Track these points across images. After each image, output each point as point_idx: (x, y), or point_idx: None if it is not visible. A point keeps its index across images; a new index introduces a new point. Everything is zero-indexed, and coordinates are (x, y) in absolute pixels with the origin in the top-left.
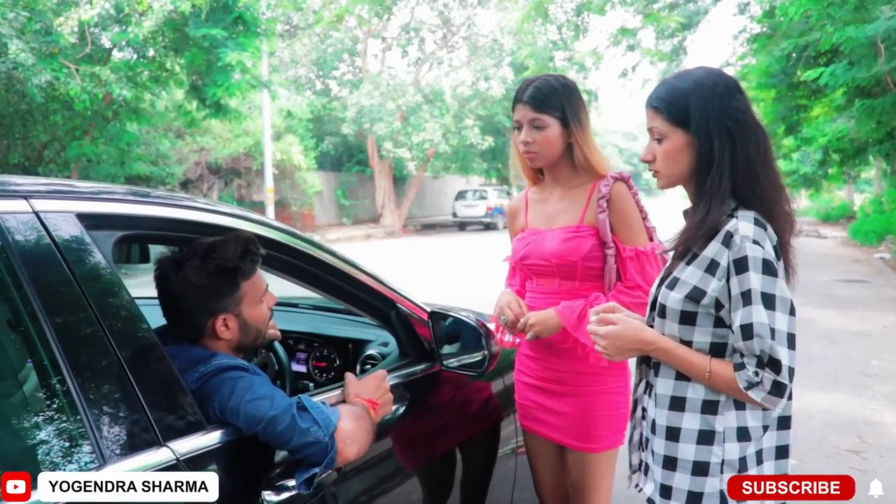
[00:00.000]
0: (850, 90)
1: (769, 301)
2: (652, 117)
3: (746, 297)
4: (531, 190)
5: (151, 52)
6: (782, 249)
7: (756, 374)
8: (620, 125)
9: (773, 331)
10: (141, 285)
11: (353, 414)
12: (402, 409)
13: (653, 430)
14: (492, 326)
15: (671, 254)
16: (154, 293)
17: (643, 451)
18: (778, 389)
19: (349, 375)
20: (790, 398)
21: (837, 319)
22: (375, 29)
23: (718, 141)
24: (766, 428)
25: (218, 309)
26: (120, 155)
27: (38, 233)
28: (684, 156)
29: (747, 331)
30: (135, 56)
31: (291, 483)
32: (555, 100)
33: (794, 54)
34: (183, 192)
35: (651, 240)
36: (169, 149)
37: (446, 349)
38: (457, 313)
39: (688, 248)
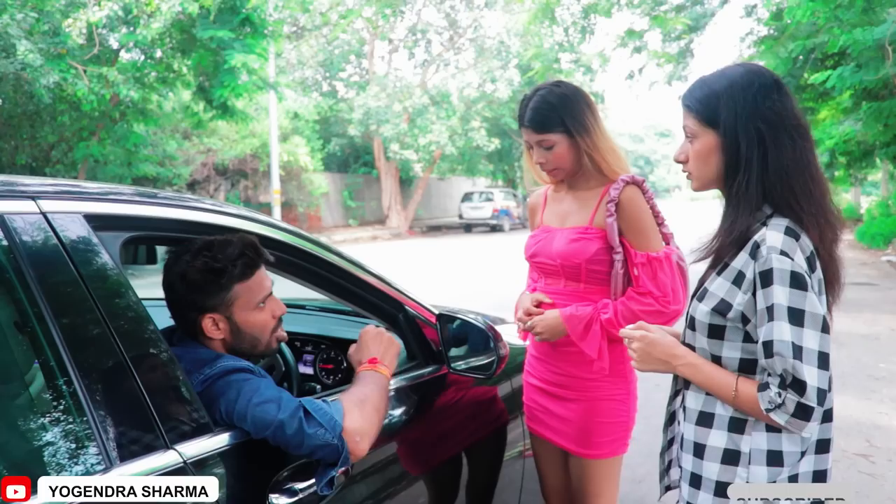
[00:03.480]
0: (857, 93)
1: (796, 317)
2: (685, 116)
3: (770, 313)
4: (551, 188)
5: (159, 54)
6: (822, 260)
7: (778, 394)
8: (626, 127)
9: (798, 349)
10: (148, 286)
11: (356, 402)
12: (409, 412)
13: (681, 445)
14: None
15: (690, 260)
16: (161, 294)
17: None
18: (803, 412)
19: (351, 348)
20: (829, 420)
21: (845, 322)
22: (382, 31)
23: (746, 143)
24: (803, 453)
25: (206, 307)
26: (127, 156)
27: (46, 233)
28: (714, 157)
29: (769, 348)
30: (142, 57)
31: (299, 486)
32: (553, 117)
33: (801, 57)
34: (190, 193)
35: (667, 244)
36: (176, 150)
37: (454, 352)
38: (465, 315)
39: (720, 257)
